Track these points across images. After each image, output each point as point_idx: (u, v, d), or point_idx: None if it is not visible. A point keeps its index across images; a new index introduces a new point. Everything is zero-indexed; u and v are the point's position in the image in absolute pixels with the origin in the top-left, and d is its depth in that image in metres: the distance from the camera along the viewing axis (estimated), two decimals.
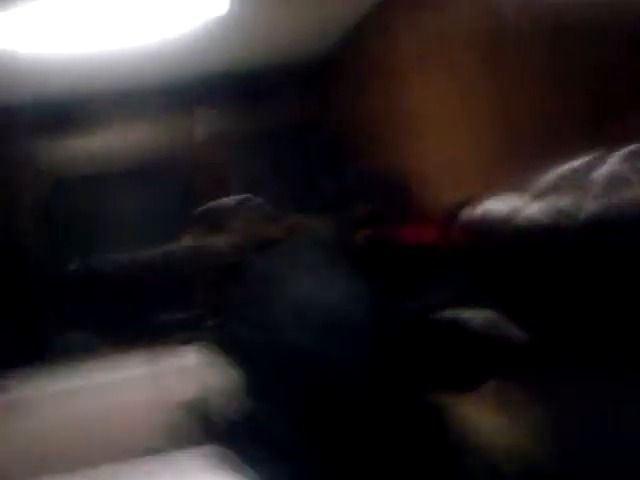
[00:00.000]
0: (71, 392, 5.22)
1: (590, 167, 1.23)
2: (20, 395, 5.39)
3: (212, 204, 4.12)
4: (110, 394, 4.92)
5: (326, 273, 2.01)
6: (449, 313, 2.26)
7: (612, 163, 1.21)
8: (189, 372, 4.15)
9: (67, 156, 7.13)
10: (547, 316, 1.37)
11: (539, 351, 1.52)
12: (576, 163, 1.31)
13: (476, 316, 2.18)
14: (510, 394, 1.90)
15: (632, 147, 1.30)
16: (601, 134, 1.56)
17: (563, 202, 1.25)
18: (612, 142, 1.31)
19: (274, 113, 7.08)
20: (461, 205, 1.59)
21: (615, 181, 1.15)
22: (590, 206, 1.16)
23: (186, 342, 3.74)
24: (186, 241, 3.70)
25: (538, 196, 1.34)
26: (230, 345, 2.21)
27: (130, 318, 4.33)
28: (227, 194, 6.88)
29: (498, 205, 1.42)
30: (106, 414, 4.43)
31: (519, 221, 1.33)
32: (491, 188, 1.57)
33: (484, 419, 1.94)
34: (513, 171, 2.52)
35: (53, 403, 5.02)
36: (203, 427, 2.96)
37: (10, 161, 6.62)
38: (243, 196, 4.89)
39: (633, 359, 1.20)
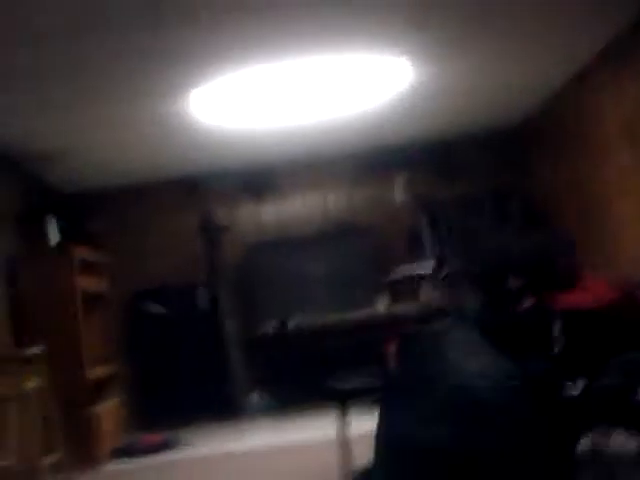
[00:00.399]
0: (250, 451, 5.30)
1: None
2: (193, 452, 5.56)
3: (406, 270, 4.11)
4: (288, 456, 4.95)
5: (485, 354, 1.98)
6: None
7: None
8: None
9: (263, 222, 7.44)
10: None
11: None
12: None
13: None
14: None
15: None
16: None
17: None
18: None
19: (470, 180, 7.06)
20: None
21: None
22: None
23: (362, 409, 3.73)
24: (380, 307, 3.71)
25: None
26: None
27: (311, 382, 4.39)
28: (418, 260, 6.93)
29: None
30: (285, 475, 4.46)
31: None
32: None
33: None
34: None
35: (234, 460, 5.12)
36: None
37: (211, 228, 6.98)
38: (424, 271, 4.85)
39: None
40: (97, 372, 5.73)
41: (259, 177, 7.42)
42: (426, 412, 1.96)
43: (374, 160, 7.31)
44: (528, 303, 2.07)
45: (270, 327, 5.78)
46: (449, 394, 1.93)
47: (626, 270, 4.39)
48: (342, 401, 3.72)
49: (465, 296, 2.27)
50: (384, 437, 2.12)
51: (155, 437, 5.95)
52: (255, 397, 6.95)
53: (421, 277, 4.34)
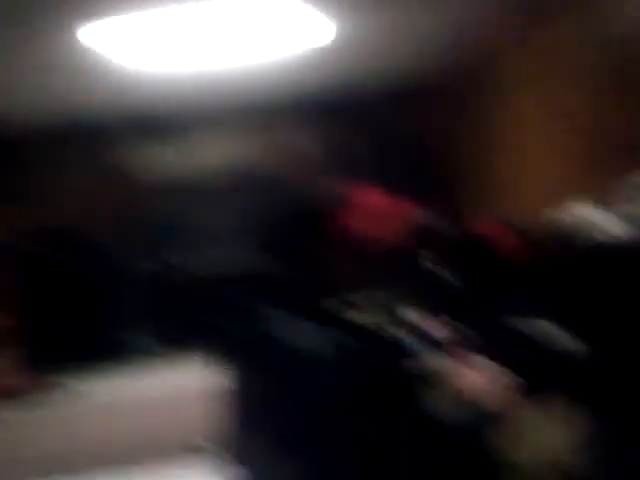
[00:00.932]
0: (127, 394, 5.25)
1: None
2: (76, 393, 5.46)
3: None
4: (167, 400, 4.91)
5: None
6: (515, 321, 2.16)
7: None
8: None
9: (166, 168, 7.30)
10: (610, 331, 1.25)
11: (596, 366, 1.40)
12: None
13: (537, 327, 2.08)
14: (561, 407, 1.81)
15: None
16: None
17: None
18: None
19: (381, 133, 7.08)
20: (554, 214, 1.49)
21: None
22: None
23: None
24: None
25: (615, 206, 1.23)
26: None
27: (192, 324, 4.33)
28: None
29: (576, 217, 1.32)
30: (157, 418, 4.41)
31: (595, 235, 1.22)
32: (571, 199, 1.47)
33: (531, 432, 1.85)
34: (593, 183, 2.42)
35: (108, 403, 5.05)
36: None
37: (107, 167, 6.80)
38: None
39: None
40: None
41: (165, 122, 7.25)
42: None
43: (284, 110, 7.25)
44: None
45: (158, 266, 5.68)
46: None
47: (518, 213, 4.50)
48: (229, 344, 3.68)
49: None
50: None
51: (35, 379, 5.83)
52: (139, 338, 6.88)
53: None
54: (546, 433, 1.79)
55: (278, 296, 1.90)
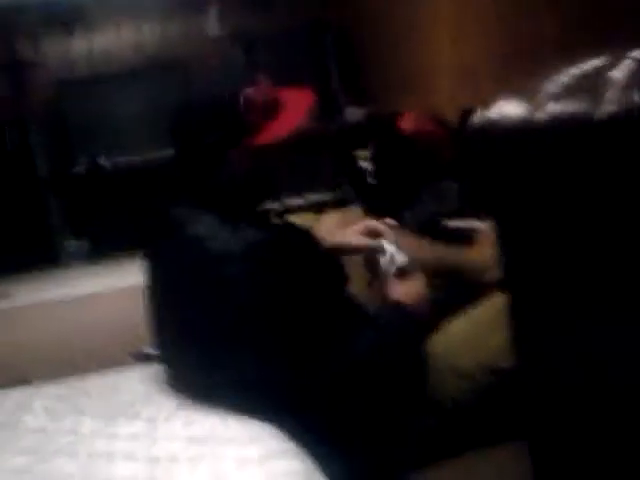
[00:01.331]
0: (71, 298, 5.18)
1: (605, 68, 1.05)
2: (12, 301, 5.36)
3: None
4: (102, 303, 4.86)
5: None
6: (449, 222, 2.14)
7: (629, 63, 1.03)
8: None
9: (73, 57, 7.00)
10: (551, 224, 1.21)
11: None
12: (590, 64, 1.12)
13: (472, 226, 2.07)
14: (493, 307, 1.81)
15: None
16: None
17: (578, 104, 1.07)
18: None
19: (287, 12, 6.87)
20: (473, 109, 1.42)
21: (633, 81, 0.97)
22: (607, 108, 0.98)
23: None
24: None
25: (551, 99, 1.15)
26: None
27: (128, 224, 4.22)
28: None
29: (512, 108, 1.25)
30: (108, 320, 4.37)
31: (536, 122, 1.16)
32: (500, 92, 1.40)
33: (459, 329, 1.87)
34: (523, 75, 2.36)
35: (46, 309, 4.97)
36: None
37: (17, 62, 6.49)
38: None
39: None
40: None
41: (67, 8, 6.91)
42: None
43: None
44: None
45: (83, 167, 5.50)
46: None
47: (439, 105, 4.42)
48: (148, 242, 3.59)
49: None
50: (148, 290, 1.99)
51: None
52: (73, 243, 6.74)
53: None
54: (479, 335, 1.78)
55: (198, 195, 1.85)
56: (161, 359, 1.95)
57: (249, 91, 1.83)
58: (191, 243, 1.77)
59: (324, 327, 1.71)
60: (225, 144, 1.81)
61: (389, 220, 1.98)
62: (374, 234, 1.90)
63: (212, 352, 1.71)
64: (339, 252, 1.90)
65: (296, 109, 1.87)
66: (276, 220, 1.97)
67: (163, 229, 1.90)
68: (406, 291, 1.80)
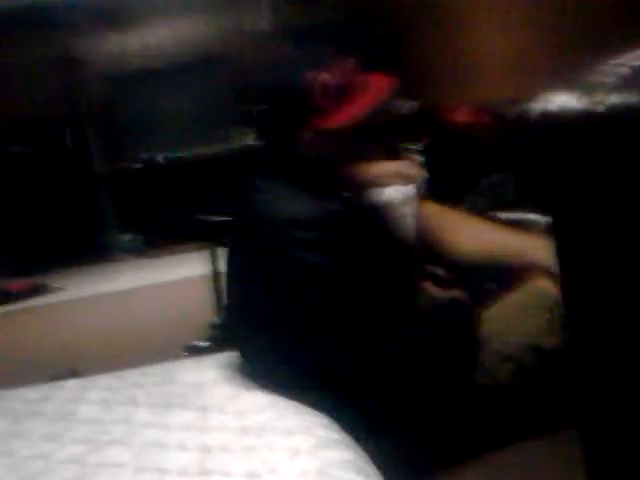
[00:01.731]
0: (124, 292, 5.23)
1: None
2: (65, 295, 5.44)
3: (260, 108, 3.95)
4: (154, 296, 4.90)
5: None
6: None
7: None
8: None
9: (120, 54, 7.05)
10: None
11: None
12: None
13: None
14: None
15: None
16: None
17: (638, 97, 1.03)
18: None
19: (334, 5, 6.82)
20: (530, 101, 1.39)
21: None
22: None
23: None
24: (237, 141, 3.56)
25: (611, 90, 1.12)
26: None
27: (181, 218, 4.27)
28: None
29: (570, 100, 1.21)
30: (160, 313, 4.42)
31: (596, 115, 1.12)
32: (555, 82, 1.36)
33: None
34: (577, 65, 2.30)
35: (98, 303, 5.03)
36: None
37: (70, 60, 6.57)
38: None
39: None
40: None
41: (116, 5, 6.98)
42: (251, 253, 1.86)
43: None
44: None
45: (136, 162, 5.56)
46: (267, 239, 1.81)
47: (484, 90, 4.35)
48: (212, 236, 3.63)
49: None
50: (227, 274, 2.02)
51: (24, 282, 5.79)
52: (124, 237, 6.82)
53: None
54: (520, 318, 1.77)
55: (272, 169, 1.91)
56: (234, 340, 1.97)
57: (323, 75, 1.84)
58: (267, 209, 1.81)
59: (385, 305, 1.74)
60: (295, 125, 1.84)
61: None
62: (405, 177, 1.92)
63: (290, 332, 1.73)
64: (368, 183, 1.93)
65: (371, 94, 1.88)
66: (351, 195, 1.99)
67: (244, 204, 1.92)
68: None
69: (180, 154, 6.33)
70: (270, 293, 1.79)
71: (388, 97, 1.88)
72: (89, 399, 1.87)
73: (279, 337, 1.78)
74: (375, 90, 1.89)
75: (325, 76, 1.84)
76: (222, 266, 3.53)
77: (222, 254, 3.72)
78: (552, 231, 1.44)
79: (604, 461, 1.39)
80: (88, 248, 6.48)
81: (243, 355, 1.94)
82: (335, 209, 1.79)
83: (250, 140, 3.65)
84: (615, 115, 1.19)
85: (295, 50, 1.97)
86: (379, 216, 1.93)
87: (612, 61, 1.27)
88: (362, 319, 1.76)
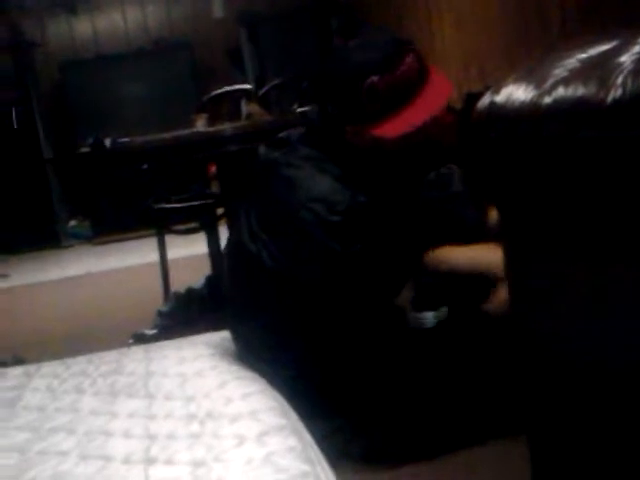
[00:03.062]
0: (71, 279, 5.17)
1: (612, 53, 1.04)
2: (11, 281, 5.36)
3: (220, 91, 3.95)
4: (111, 281, 4.86)
5: (318, 164, 1.92)
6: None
7: (637, 48, 1.01)
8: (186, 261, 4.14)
9: (77, 38, 6.97)
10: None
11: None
12: (597, 48, 1.11)
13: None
14: None
15: None
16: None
17: (584, 89, 1.05)
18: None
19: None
20: (478, 93, 1.41)
21: None
22: (614, 93, 0.97)
23: (187, 231, 3.64)
24: (200, 126, 3.55)
25: (558, 83, 1.14)
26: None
27: (130, 205, 4.24)
28: (243, 74, 6.76)
29: (519, 93, 1.23)
30: (107, 301, 4.38)
31: (542, 107, 1.14)
32: (505, 76, 1.38)
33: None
34: (527, 59, 2.33)
35: (55, 288, 4.98)
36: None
37: (22, 43, 6.47)
38: (246, 86, 4.75)
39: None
40: None
41: None
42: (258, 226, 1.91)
43: None
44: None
45: (87, 147, 5.49)
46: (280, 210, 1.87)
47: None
48: (162, 222, 3.62)
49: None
50: (226, 248, 2.08)
51: None
52: (75, 223, 6.74)
53: (242, 94, 4.21)
54: None
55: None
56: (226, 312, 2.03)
57: (375, 80, 1.81)
58: (298, 177, 1.87)
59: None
60: (343, 120, 1.86)
61: None
62: None
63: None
64: None
65: (430, 102, 1.85)
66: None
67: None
68: None
69: (129, 139, 6.28)
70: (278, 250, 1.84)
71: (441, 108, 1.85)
72: (34, 386, 1.85)
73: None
74: (435, 95, 1.86)
75: (374, 79, 1.81)
76: (170, 253, 3.53)
77: (170, 241, 3.72)
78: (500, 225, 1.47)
79: (551, 469, 1.42)
80: (34, 234, 6.38)
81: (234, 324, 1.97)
82: (362, 200, 1.82)
83: (201, 126, 3.63)
84: (562, 107, 1.21)
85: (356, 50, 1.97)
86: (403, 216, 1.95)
87: (562, 56, 1.29)
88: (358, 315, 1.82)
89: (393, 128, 1.82)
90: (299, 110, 3.10)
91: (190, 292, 3.34)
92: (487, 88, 1.48)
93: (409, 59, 1.83)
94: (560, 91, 1.21)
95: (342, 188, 1.82)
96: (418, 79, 1.83)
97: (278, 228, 1.87)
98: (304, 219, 1.80)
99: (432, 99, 1.84)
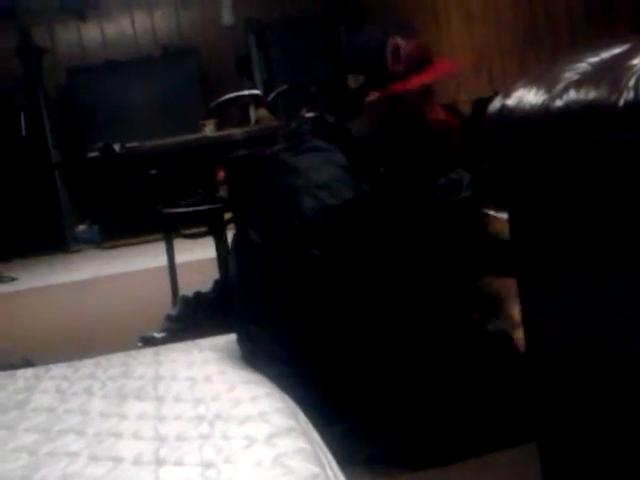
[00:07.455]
0: (79, 283, 5.17)
1: (624, 56, 1.03)
2: (20, 285, 5.36)
3: (228, 96, 3.95)
4: (119, 285, 4.86)
5: (326, 155, 1.90)
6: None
7: None
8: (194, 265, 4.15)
9: (86, 44, 6.99)
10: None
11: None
12: (609, 51, 1.11)
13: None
14: None
15: None
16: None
17: (596, 92, 1.05)
18: None
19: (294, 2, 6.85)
20: (488, 97, 1.42)
21: None
22: (626, 95, 0.97)
23: (195, 235, 3.65)
24: (208, 131, 3.56)
25: (570, 87, 1.14)
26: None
27: (138, 210, 4.25)
28: (251, 80, 6.77)
29: (530, 96, 1.23)
30: (115, 304, 4.38)
31: (553, 110, 1.14)
32: (514, 79, 1.38)
33: None
34: (537, 62, 2.33)
35: (63, 292, 4.98)
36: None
37: (32, 49, 6.48)
38: (255, 92, 4.76)
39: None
40: None
41: None
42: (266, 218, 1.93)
43: None
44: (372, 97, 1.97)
45: (95, 152, 5.51)
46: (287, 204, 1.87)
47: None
48: (170, 227, 3.62)
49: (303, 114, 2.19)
50: (233, 245, 2.08)
51: None
52: (83, 228, 6.75)
53: (251, 100, 4.23)
54: None
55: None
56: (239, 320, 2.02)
57: (400, 42, 1.94)
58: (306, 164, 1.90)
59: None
60: (367, 89, 1.95)
61: None
62: None
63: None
64: None
65: (441, 69, 2.02)
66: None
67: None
68: None
69: (138, 144, 6.30)
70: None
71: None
72: (43, 388, 1.85)
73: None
74: (441, 66, 2.03)
75: (400, 43, 1.94)
76: (179, 257, 3.54)
77: (179, 245, 3.72)
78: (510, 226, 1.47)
79: (562, 474, 1.42)
80: (43, 238, 6.39)
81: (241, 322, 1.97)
82: (366, 189, 1.86)
83: (210, 132, 3.64)
84: (573, 110, 1.21)
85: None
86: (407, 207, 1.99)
87: (574, 59, 1.29)
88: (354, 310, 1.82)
89: (415, 81, 1.94)
90: (307, 116, 3.10)
91: (198, 296, 3.34)
92: (496, 93, 1.48)
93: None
94: (571, 94, 1.20)
95: (347, 177, 1.86)
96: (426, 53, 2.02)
97: (281, 215, 1.86)
98: (306, 204, 1.80)
99: (446, 65, 2.07)
